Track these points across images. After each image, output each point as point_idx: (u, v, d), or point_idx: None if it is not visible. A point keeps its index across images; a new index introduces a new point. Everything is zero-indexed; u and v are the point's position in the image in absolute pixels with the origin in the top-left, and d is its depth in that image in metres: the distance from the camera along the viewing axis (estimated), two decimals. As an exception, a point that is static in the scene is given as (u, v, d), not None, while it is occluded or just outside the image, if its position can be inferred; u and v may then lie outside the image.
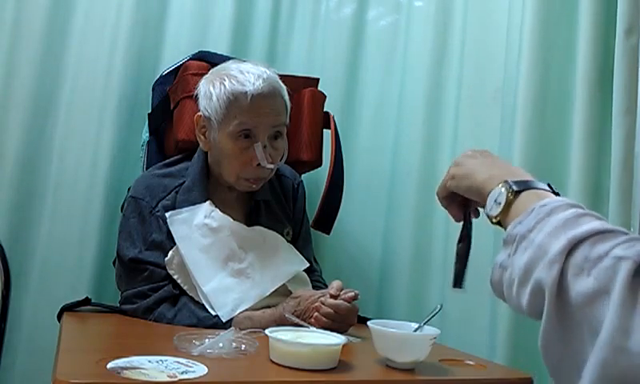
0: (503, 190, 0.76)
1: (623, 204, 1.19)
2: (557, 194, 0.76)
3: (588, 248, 0.60)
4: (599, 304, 0.56)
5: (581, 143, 1.29)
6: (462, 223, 0.95)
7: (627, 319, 0.53)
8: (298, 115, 1.55)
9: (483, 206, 0.82)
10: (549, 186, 0.78)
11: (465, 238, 0.94)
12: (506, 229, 0.73)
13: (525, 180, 0.77)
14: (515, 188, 0.76)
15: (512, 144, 1.36)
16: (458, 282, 0.93)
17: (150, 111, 1.59)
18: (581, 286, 0.58)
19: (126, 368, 0.81)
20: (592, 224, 0.62)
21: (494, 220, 0.77)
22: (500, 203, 0.76)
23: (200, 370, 0.84)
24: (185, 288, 1.26)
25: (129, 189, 1.38)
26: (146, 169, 1.50)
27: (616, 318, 0.53)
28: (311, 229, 1.54)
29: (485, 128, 1.53)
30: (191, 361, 0.88)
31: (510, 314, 1.29)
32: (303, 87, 1.59)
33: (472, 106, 1.58)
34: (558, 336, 0.60)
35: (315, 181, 1.68)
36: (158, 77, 1.61)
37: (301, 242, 1.47)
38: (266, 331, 0.96)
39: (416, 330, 1.02)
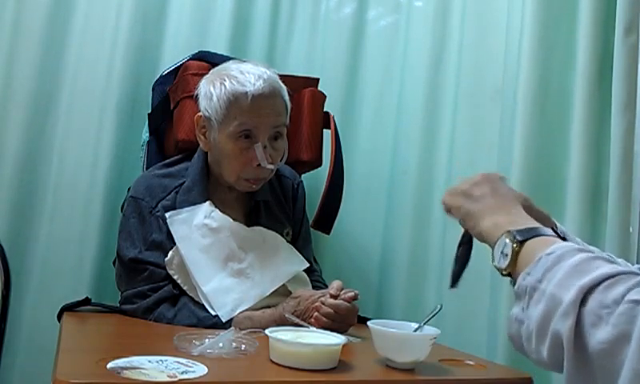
0: (508, 240, 0.76)
1: (622, 201, 1.19)
2: (563, 238, 0.76)
3: (602, 294, 0.60)
4: (620, 352, 0.56)
5: (580, 141, 1.29)
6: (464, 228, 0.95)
7: None
8: (298, 115, 1.55)
9: None
10: (553, 229, 0.78)
11: (466, 243, 0.94)
12: (515, 280, 0.73)
13: (528, 227, 0.77)
14: (519, 238, 0.75)
15: (512, 143, 1.36)
16: (454, 282, 0.93)
17: (150, 111, 1.58)
18: (600, 335, 0.58)
19: (126, 368, 0.81)
20: (601, 269, 0.62)
21: (503, 272, 0.77)
22: (507, 255, 0.76)
23: (200, 369, 0.84)
24: (185, 288, 1.26)
25: (129, 189, 1.38)
26: (146, 169, 1.50)
27: (636, 362, 0.53)
28: (311, 229, 1.54)
29: (483, 127, 1.53)
30: (191, 361, 0.88)
31: (509, 313, 1.29)
32: (303, 87, 1.59)
33: (471, 106, 1.58)
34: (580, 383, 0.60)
35: (315, 181, 1.68)
36: (157, 77, 1.61)
37: (301, 242, 1.47)
38: (266, 331, 0.96)
39: (416, 330, 1.02)
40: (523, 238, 0.75)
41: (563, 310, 0.61)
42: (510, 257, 0.75)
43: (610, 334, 0.57)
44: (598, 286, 0.60)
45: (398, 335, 1.00)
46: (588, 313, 0.59)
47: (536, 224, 0.79)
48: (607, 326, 0.57)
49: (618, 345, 0.56)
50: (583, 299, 0.60)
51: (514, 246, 0.75)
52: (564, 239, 0.79)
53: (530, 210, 0.89)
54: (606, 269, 0.62)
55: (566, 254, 0.67)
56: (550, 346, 0.63)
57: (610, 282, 0.60)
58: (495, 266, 0.79)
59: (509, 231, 0.77)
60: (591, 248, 0.96)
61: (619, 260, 0.98)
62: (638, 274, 0.61)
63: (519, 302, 0.71)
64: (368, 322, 1.01)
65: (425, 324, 1.03)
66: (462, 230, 0.94)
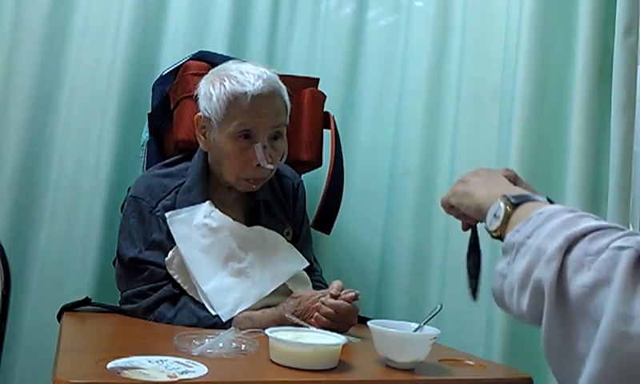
0: (502, 204, 0.77)
1: (622, 202, 1.19)
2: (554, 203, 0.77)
3: (587, 244, 0.60)
4: (600, 294, 0.55)
5: (579, 142, 1.29)
6: (469, 233, 0.96)
7: (629, 305, 0.52)
8: (298, 115, 1.55)
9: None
10: (548, 199, 0.78)
11: (474, 250, 0.95)
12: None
13: (523, 194, 0.78)
14: (514, 201, 0.76)
15: (510, 143, 1.37)
16: (474, 294, 0.94)
17: (150, 111, 1.59)
18: (581, 279, 0.57)
19: (126, 368, 0.81)
20: (590, 222, 0.62)
21: (493, 234, 0.78)
22: (499, 217, 0.77)
23: (200, 369, 0.84)
24: (185, 288, 1.26)
25: (129, 189, 1.38)
26: (146, 169, 1.50)
27: (617, 304, 0.53)
28: (311, 229, 1.55)
29: (484, 128, 1.53)
30: (191, 361, 0.88)
31: (507, 314, 1.29)
32: (303, 87, 1.59)
33: (471, 106, 1.58)
34: (559, 334, 0.59)
35: (315, 181, 1.68)
36: (158, 77, 1.61)
37: (301, 241, 1.47)
38: (266, 331, 0.96)
39: (416, 330, 1.03)
40: (517, 201, 0.76)
41: (547, 257, 0.61)
42: (501, 218, 0.76)
43: (592, 278, 0.56)
44: (584, 237, 0.60)
45: (398, 335, 1.01)
46: (571, 261, 0.59)
47: (532, 193, 0.80)
48: (589, 271, 0.57)
49: (598, 287, 0.55)
50: (568, 248, 0.60)
51: (508, 208, 0.76)
52: None
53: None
54: (593, 222, 0.62)
55: (557, 213, 0.67)
56: (531, 294, 0.63)
57: (596, 234, 0.60)
58: (486, 229, 0.80)
59: (504, 195, 0.78)
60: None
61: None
62: (624, 229, 0.61)
63: (505, 257, 0.71)
64: (368, 322, 1.01)
65: (425, 324, 1.03)
66: (468, 240, 0.95)
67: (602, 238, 0.59)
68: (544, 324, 0.61)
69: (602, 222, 0.63)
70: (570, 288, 0.58)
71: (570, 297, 0.58)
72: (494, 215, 0.78)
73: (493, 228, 0.77)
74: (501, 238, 0.76)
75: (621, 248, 0.56)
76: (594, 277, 0.56)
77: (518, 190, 0.82)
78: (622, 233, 0.59)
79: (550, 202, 0.78)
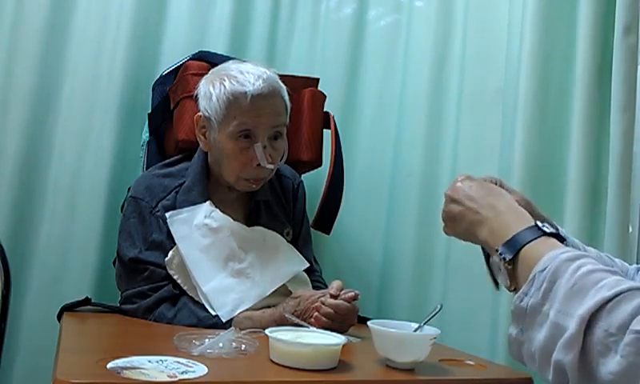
0: (499, 261, 0.78)
1: (622, 201, 1.20)
2: (548, 232, 0.77)
3: (606, 320, 0.60)
4: (633, 382, 0.57)
5: (580, 141, 1.29)
6: None
7: None
8: (298, 115, 1.55)
9: None
10: (537, 225, 0.79)
11: None
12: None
13: (513, 237, 0.78)
14: (508, 256, 0.77)
15: (513, 143, 1.37)
16: (497, 285, 0.94)
17: (150, 111, 1.59)
18: (609, 366, 0.59)
19: (126, 368, 0.81)
20: (599, 293, 0.62)
21: (510, 290, 0.79)
22: (506, 279, 0.78)
23: (200, 369, 0.84)
24: (185, 288, 1.26)
25: (129, 189, 1.38)
26: (146, 169, 1.50)
27: None
28: (311, 229, 1.54)
29: (486, 128, 1.53)
30: (191, 361, 0.88)
31: (510, 313, 1.29)
32: (303, 87, 1.59)
33: (473, 106, 1.58)
34: None
35: (315, 181, 1.68)
36: (158, 77, 1.61)
37: (301, 242, 1.47)
38: (266, 331, 0.96)
39: (416, 330, 1.02)
40: (511, 254, 0.77)
41: (565, 341, 0.62)
42: (507, 277, 0.77)
43: (620, 366, 0.58)
44: (600, 312, 0.61)
45: (398, 335, 1.00)
46: (595, 343, 0.60)
47: (519, 222, 0.80)
48: (616, 355, 0.58)
49: (631, 377, 0.57)
50: (587, 327, 0.61)
51: (507, 266, 0.77)
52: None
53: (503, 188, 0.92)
54: (603, 290, 0.62)
55: (559, 269, 0.68)
56: (554, 373, 0.65)
57: (610, 305, 0.61)
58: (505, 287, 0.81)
59: (496, 250, 0.79)
60: (586, 251, 0.97)
61: (617, 260, 0.99)
62: (636, 289, 0.61)
63: (517, 323, 0.72)
64: (368, 322, 1.01)
65: (425, 324, 1.03)
66: None
67: (619, 310, 0.60)
68: None
69: (611, 282, 0.63)
70: (598, 373, 0.60)
71: (598, 381, 0.60)
72: (500, 272, 0.79)
73: (507, 286, 0.79)
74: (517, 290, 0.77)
75: None
76: (622, 365, 0.58)
77: (505, 223, 0.82)
78: (637, 301, 0.60)
79: (538, 226, 0.78)
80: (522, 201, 0.93)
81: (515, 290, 0.77)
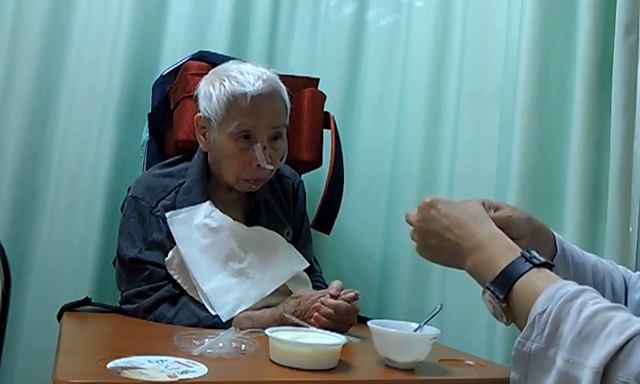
0: (491, 299, 0.77)
1: (622, 201, 1.20)
2: (538, 264, 0.75)
3: (622, 370, 0.59)
4: None
5: (580, 141, 1.29)
6: None
7: None
8: (298, 115, 1.55)
9: None
10: (524, 256, 0.76)
11: None
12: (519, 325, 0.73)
13: (502, 272, 0.76)
14: (500, 295, 0.75)
15: (511, 143, 1.37)
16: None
17: (150, 111, 1.59)
18: None
19: (126, 368, 0.81)
20: (611, 339, 0.61)
21: (506, 324, 0.78)
22: (501, 315, 0.76)
23: (200, 369, 0.84)
24: (185, 288, 1.26)
25: (129, 189, 1.38)
26: (146, 169, 1.50)
27: None
28: (311, 229, 1.54)
29: (485, 127, 1.53)
30: (191, 361, 0.88)
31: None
32: (303, 87, 1.59)
33: (472, 106, 1.58)
34: None
35: (315, 181, 1.68)
36: (158, 77, 1.61)
37: (301, 242, 1.47)
38: (266, 331, 0.95)
39: (416, 330, 1.02)
40: (504, 292, 0.75)
41: None
42: (502, 314, 0.76)
43: None
44: (615, 362, 0.60)
45: (398, 335, 1.00)
46: None
47: (505, 253, 0.78)
48: None
49: None
50: (603, 377, 0.60)
51: (501, 304, 0.75)
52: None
53: (490, 208, 0.89)
54: (613, 337, 0.61)
55: (562, 311, 0.66)
56: None
57: (624, 354, 0.60)
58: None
59: (487, 288, 0.77)
60: (584, 257, 0.96)
61: (620, 268, 0.98)
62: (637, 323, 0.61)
63: (519, 368, 0.70)
64: (368, 322, 1.00)
65: (425, 324, 1.03)
66: None
67: (635, 357, 0.59)
68: None
69: (616, 319, 0.62)
70: None
71: None
72: (493, 308, 0.77)
73: (503, 322, 0.77)
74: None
75: None
76: None
77: (489, 258, 0.79)
78: None
79: (525, 257, 0.76)
80: (521, 215, 0.90)
81: (510, 324, 0.76)
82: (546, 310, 0.68)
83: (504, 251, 0.79)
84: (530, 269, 0.75)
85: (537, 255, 0.77)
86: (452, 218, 0.86)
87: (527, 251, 0.78)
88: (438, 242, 0.87)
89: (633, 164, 1.21)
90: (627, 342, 0.60)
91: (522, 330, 0.71)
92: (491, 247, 0.81)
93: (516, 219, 0.91)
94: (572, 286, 0.70)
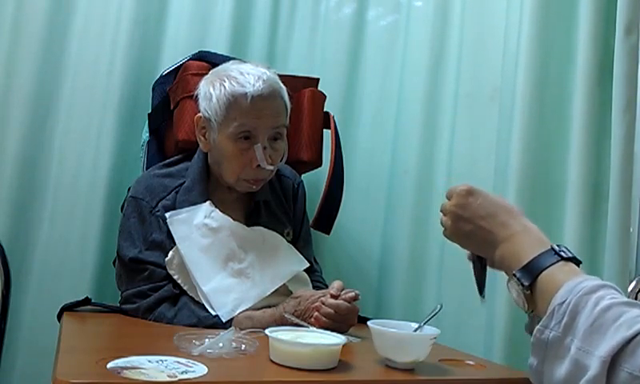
0: (517, 286, 0.79)
1: (623, 202, 1.19)
2: (565, 257, 0.77)
3: (629, 362, 0.61)
4: None
5: (580, 142, 1.28)
6: None
7: None
8: (298, 115, 1.55)
9: None
10: (553, 249, 0.78)
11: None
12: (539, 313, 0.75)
13: (531, 262, 0.78)
14: (526, 282, 0.78)
15: (510, 143, 1.36)
16: (481, 291, 0.95)
17: (150, 111, 1.59)
18: None
19: (126, 368, 0.81)
20: (620, 332, 0.63)
21: (528, 312, 0.80)
22: (524, 303, 0.79)
23: (200, 369, 0.84)
24: (185, 288, 1.26)
25: (129, 189, 1.38)
26: (146, 169, 1.50)
27: None
28: (311, 229, 1.54)
29: (483, 127, 1.53)
30: (191, 361, 0.88)
31: (506, 313, 1.29)
32: (303, 87, 1.59)
33: (470, 106, 1.58)
34: None
35: (315, 181, 1.68)
36: (158, 77, 1.61)
37: (301, 242, 1.47)
38: (266, 331, 0.96)
39: (416, 330, 1.02)
40: (529, 280, 0.77)
41: (588, 382, 0.63)
42: (525, 301, 0.78)
43: None
44: (622, 353, 0.62)
45: (398, 335, 1.00)
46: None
47: (535, 245, 0.80)
48: None
49: None
50: (610, 367, 0.62)
51: (525, 292, 0.78)
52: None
53: None
54: (622, 329, 0.63)
55: (580, 303, 0.69)
56: None
57: (631, 346, 0.62)
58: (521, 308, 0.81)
59: (513, 274, 0.79)
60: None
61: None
62: None
63: (537, 354, 0.73)
64: (368, 322, 1.01)
65: (425, 324, 1.03)
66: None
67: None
68: None
69: (629, 314, 0.64)
70: None
71: None
72: (517, 295, 0.80)
73: (525, 309, 0.79)
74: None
75: None
76: None
77: (520, 249, 0.81)
78: None
79: (555, 251, 0.78)
80: None
81: (532, 313, 0.78)
82: (565, 301, 0.70)
83: (535, 244, 0.81)
84: (557, 261, 0.77)
85: (566, 249, 0.79)
86: (490, 208, 0.89)
87: (557, 245, 0.80)
88: (472, 228, 0.89)
89: (633, 165, 1.21)
90: (635, 335, 0.62)
91: (541, 319, 0.74)
92: (524, 240, 0.83)
93: None
94: (593, 281, 0.72)
